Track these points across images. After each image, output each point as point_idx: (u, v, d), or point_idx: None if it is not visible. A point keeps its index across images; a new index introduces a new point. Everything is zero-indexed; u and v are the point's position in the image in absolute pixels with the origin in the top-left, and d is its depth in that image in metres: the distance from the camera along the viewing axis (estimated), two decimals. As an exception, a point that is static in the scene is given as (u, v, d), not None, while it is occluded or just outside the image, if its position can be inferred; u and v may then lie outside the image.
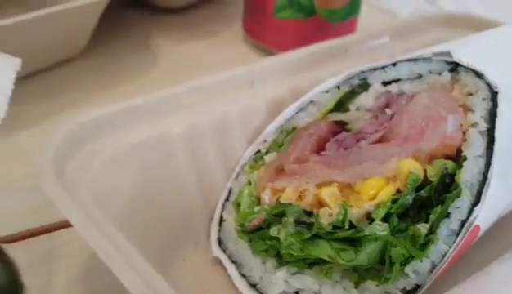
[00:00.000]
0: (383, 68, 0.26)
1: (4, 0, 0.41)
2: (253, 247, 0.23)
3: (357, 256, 0.21)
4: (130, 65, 0.39)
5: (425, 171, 0.21)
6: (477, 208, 0.20)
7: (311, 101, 0.27)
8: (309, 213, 0.22)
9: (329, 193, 0.22)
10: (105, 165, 0.23)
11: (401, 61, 0.25)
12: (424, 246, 0.20)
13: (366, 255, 0.21)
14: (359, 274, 0.21)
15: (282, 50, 0.38)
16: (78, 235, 0.24)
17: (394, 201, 0.21)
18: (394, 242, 0.20)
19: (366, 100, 0.26)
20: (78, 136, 0.23)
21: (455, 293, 0.19)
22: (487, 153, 0.21)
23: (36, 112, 0.34)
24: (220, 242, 0.25)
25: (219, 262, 0.24)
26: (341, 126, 0.26)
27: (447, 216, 0.20)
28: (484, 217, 0.21)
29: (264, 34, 0.40)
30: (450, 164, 0.21)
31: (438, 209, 0.20)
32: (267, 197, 0.24)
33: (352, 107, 0.26)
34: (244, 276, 0.23)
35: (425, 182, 0.21)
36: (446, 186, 0.21)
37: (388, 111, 0.24)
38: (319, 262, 0.22)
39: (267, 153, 0.26)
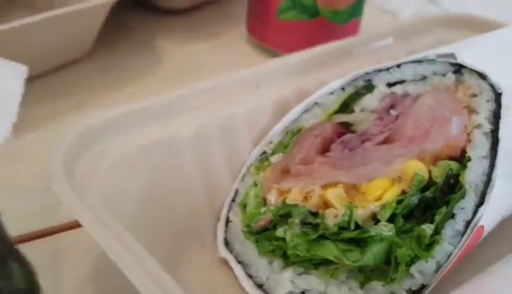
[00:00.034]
0: (387, 69, 0.26)
1: (12, 3, 0.41)
2: (259, 248, 0.23)
3: (363, 256, 0.21)
4: (135, 67, 0.40)
5: (430, 172, 0.22)
6: (481, 209, 0.20)
7: (316, 103, 0.27)
8: (315, 214, 0.22)
9: (334, 194, 0.22)
10: (113, 167, 0.23)
11: (406, 63, 0.26)
12: (430, 246, 0.20)
13: (371, 255, 0.21)
14: (365, 275, 0.21)
15: (286, 51, 0.38)
16: (85, 236, 0.24)
17: (399, 202, 0.21)
18: (400, 242, 0.21)
19: (370, 101, 0.26)
20: (86, 138, 0.23)
21: (461, 293, 0.19)
22: (491, 154, 0.21)
23: (42, 113, 0.34)
24: (226, 243, 0.25)
25: (226, 263, 0.25)
26: (346, 127, 0.26)
27: (452, 216, 0.21)
28: (488, 218, 0.21)
29: (268, 35, 0.40)
30: (454, 165, 0.21)
31: (443, 210, 0.21)
32: (272, 198, 0.24)
33: (356, 108, 0.26)
34: (250, 276, 0.23)
35: (430, 183, 0.21)
36: (451, 187, 0.21)
37: (392, 112, 0.25)
38: (325, 263, 0.22)
39: (272, 154, 0.26)
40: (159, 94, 0.26)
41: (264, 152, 0.27)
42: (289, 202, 0.23)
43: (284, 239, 0.22)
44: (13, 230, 0.26)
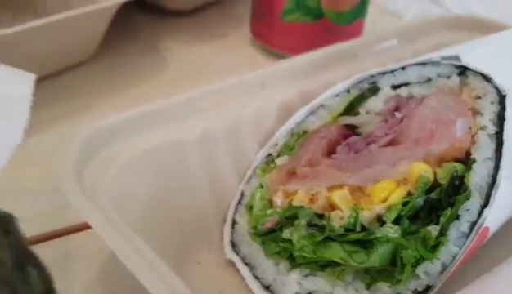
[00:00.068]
0: (392, 72, 0.26)
1: (18, 8, 0.41)
2: (265, 250, 0.24)
3: (369, 258, 0.21)
4: (140, 68, 0.40)
5: (435, 173, 0.22)
6: (486, 210, 0.20)
7: (321, 105, 0.27)
8: (321, 216, 0.23)
9: (340, 196, 0.22)
10: (121, 170, 0.23)
11: (410, 65, 0.26)
12: (435, 248, 0.20)
13: (377, 257, 0.21)
14: (371, 276, 0.22)
15: (290, 53, 0.38)
16: (93, 238, 0.24)
17: (405, 203, 0.21)
18: (405, 244, 0.21)
19: (375, 103, 0.26)
20: (94, 141, 0.23)
21: (467, 293, 0.20)
22: (495, 155, 0.21)
23: (48, 116, 0.35)
24: (233, 245, 0.25)
25: (233, 264, 0.25)
26: (351, 129, 0.26)
27: (457, 218, 0.21)
28: (493, 219, 0.21)
29: (272, 37, 0.40)
30: (459, 167, 0.22)
31: (448, 211, 0.21)
32: (279, 200, 0.24)
33: (362, 111, 0.26)
34: (257, 278, 0.24)
35: (435, 185, 0.22)
36: (456, 188, 0.21)
37: (397, 114, 0.25)
38: (331, 264, 0.22)
39: (278, 156, 0.27)
40: (165, 97, 0.26)
41: (270, 154, 0.27)
42: (295, 204, 0.23)
43: (290, 241, 0.23)
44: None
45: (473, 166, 0.21)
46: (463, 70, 0.25)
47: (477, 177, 0.21)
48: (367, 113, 0.26)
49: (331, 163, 0.24)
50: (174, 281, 0.19)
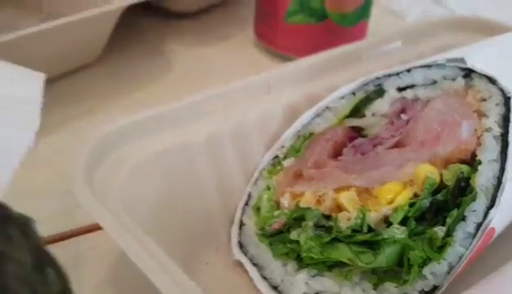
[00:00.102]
0: (397, 74, 0.26)
1: (23, 9, 0.41)
2: (273, 251, 0.24)
3: (376, 258, 0.21)
4: (145, 71, 0.40)
5: (441, 175, 0.22)
6: (492, 211, 0.21)
7: (327, 107, 0.27)
8: (328, 217, 0.23)
9: (347, 198, 0.23)
10: (130, 173, 0.24)
11: (416, 67, 0.26)
12: (442, 248, 0.21)
13: (384, 257, 0.21)
14: (378, 276, 0.22)
15: (294, 54, 0.38)
16: (102, 240, 0.25)
17: (411, 205, 0.22)
18: (412, 245, 0.21)
19: (381, 105, 0.26)
20: (104, 145, 0.24)
21: (472, 293, 0.20)
22: (501, 157, 0.22)
23: (53, 119, 0.35)
24: (241, 246, 0.25)
25: (241, 265, 0.25)
26: (357, 131, 0.26)
27: (463, 219, 0.21)
28: (499, 220, 0.21)
29: (276, 39, 0.40)
30: (465, 168, 0.22)
31: (455, 212, 0.21)
32: (286, 201, 0.25)
33: (367, 113, 0.27)
34: (265, 278, 0.24)
35: (441, 186, 0.22)
36: (462, 190, 0.22)
37: (403, 116, 0.25)
38: (338, 264, 0.22)
39: (284, 158, 0.27)
40: (170, 99, 0.27)
41: (276, 156, 0.27)
42: (302, 205, 0.24)
43: (298, 242, 0.23)
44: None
45: (479, 167, 0.21)
46: (468, 72, 0.25)
47: (482, 179, 0.21)
48: (373, 115, 0.26)
49: (338, 165, 0.24)
50: (185, 281, 0.19)
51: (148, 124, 0.25)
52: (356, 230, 0.22)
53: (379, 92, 0.27)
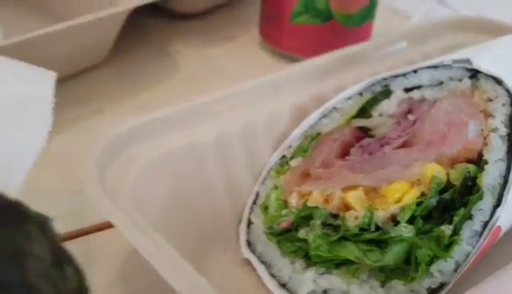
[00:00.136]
0: (404, 75, 0.27)
1: (28, 11, 0.42)
2: (281, 249, 0.24)
3: (383, 256, 0.22)
4: (151, 72, 0.40)
5: (448, 174, 0.22)
6: (499, 210, 0.21)
7: (334, 108, 0.28)
8: (335, 216, 0.23)
9: (355, 197, 0.23)
10: (140, 173, 0.24)
11: (422, 68, 0.26)
12: (449, 246, 0.21)
13: (391, 255, 0.22)
14: (385, 274, 0.22)
15: (299, 55, 0.39)
16: (112, 238, 0.25)
17: (419, 204, 0.22)
18: (419, 243, 0.21)
19: (388, 106, 0.27)
20: (115, 145, 0.24)
21: (479, 291, 0.20)
22: (507, 157, 0.22)
23: (60, 119, 0.35)
24: (249, 244, 0.26)
25: (249, 263, 0.25)
26: (364, 132, 0.27)
27: (470, 217, 0.21)
28: (505, 219, 0.22)
29: (281, 40, 0.41)
30: (472, 168, 0.22)
31: (461, 211, 0.21)
32: (294, 200, 0.25)
33: (374, 113, 0.27)
34: (273, 276, 0.24)
35: (448, 185, 0.22)
36: (469, 189, 0.22)
37: (410, 117, 0.25)
38: (346, 263, 0.23)
39: (292, 158, 0.27)
40: (177, 100, 0.27)
41: (284, 156, 0.27)
42: (310, 204, 0.24)
43: (306, 240, 0.23)
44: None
45: (486, 167, 0.22)
46: (474, 73, 0.25)
47: (489, 178, 0.22)
48: (380, 115, 0.27)
49: (345, 165, 0.25)
50: (197, 277, 0.19)
51: (158, 125, 0.26)
52: (363, 229, 0.22)
53: (386, 93, 0.27)
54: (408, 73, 0.27)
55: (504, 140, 0.22)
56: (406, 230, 0.21)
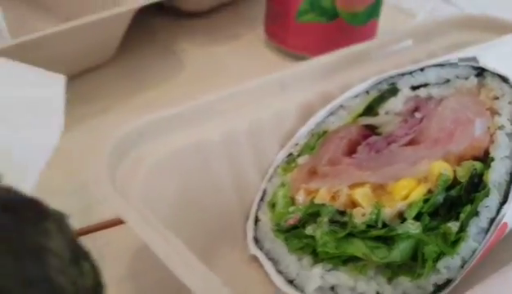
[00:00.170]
0: (411, 73, 0.27)
1: (31, 11, 0.42)
2: (289, 245, 0.24)
3: (390, 253, 0.22)
4: (157, 71, 0.41)
5: (455, 171, 0.22)
6: (505, 207, 0.21)
7: (341, 106, 0.28)
8: (342, 213, 0.23)
9: (362, 194, 0.23)
10: (149, 171, 0.24)
11: (429, 66, 0.26)
12: (455, 243, 0.21)
13: (398, 252, 0.22)
14: (392, 270, 0.22)
15: (305, 53, 0.39)
16: (118, 236, 0.25)
17: (425, 200, 0.22)
18: (426, 239, 0.21)
19: (395, 104, 0.27)
20: (124, 144, 0.24)
21: (485, 287, 0.20)
22: (514, 154, 0.22)
23: (67, 118, 0.35)
24: (256, 241, 0.26)
25: (256, 260, 0.26)
26: (371, 129, 0.27)
27: (477, 214, 0.21)
28: (511, 215, 0.22)
29: (287, 38, 0.41)
30: (478, 165, 0.22)
31: (468, 208, 0.22)
32: (301, 197, 0.25)
33: (381, 111, 0.27)
34: (280, 272, 0.24)
35: (455, 182, 0.22)
36: (475, 186, 0.22)
37: (417, 115, 0.25)
38: (353, 259, 0.23)
39: (298, 156, 0.27)
40: (182, 98, 0.27)
41: (291, 154, 0.28)
42: (317, 201, 0.24)
43: (313, 237, 0.23)
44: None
45: (492, 164, 0.22)
46: (480, 71, 0.25)
47: (495, 175, 0.22)
48: (387, 113, 0.27)
49: (352, 162, 0.25)
50: (207, 273, 0.20)
51: (166, 123, 0.26)
52: (370, 226, 0.22)
53: (393, 91, 0.27)
54: (415, 71, 0.27)
55: (510, 137, 0.23)
56: (412, 227, 0.22)
